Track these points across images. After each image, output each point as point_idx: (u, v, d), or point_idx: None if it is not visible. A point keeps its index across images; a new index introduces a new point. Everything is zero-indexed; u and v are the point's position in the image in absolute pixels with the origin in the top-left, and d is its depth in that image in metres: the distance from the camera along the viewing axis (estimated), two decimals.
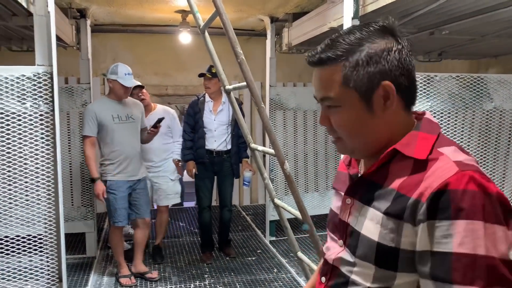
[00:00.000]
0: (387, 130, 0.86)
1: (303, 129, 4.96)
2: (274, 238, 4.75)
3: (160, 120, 3.61)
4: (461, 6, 2.87)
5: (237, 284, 3.71)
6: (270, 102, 4.58)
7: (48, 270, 2.46)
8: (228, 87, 2.17)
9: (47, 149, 2.39)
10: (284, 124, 4.80)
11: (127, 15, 4.76)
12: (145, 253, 3.98)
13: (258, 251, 4.49)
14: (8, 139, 2.36)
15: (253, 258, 4.28)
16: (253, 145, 2.24)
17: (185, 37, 5.21)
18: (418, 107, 2.79)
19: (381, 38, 0.84)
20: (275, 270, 3.99)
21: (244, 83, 1.87)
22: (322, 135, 5.05)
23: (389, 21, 0.87)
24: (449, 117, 2.86)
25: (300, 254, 2.35)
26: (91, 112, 3.38)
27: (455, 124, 2.87)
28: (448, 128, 2.86)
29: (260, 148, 2.16)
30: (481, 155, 2.99)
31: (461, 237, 0.72)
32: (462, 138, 2.90)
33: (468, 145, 2.92)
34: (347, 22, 2.74)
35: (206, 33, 2.19)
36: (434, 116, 2.81)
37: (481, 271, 0.71)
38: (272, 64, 4.55)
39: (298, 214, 1.98)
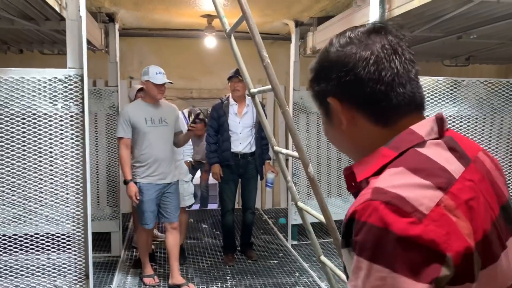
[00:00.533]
0: (355, 144, 0.82)
1: None
2: (296, 242, 4.74)
3: (198, 115, 3.61)
4: (490, 10, 2.83)
5: (259, 287, 3.72)
6: (293, 105, 4.59)
7: (76, 267, 2.53)
8: (253, 90, 2.19)
9: (77, 150, 2.46)
10: (308, 127, 4.80)
11: (154, 20, 4.85)
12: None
13: (280, 254, 4.49)
14: (39, 139, 2.44)
15: (275, 262, 4.28)
16: (276, 148, 2.25)
17: (210, 41, 5.28)
18: (445, 112, 2.76)
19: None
20: (297, 274, 3.99)
21: (269, 86, 1.89)
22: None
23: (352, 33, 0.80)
24: (476, 122, 2.81)
25: (323, 258, 2.35)
26: (125, 114, 3.43)
27: (483, 129, 2.82)
28: (475, 133, 2.82)
29: (284, 151, 2.18)
30: (509, 161, 2.93)
31: (351, 272, 0.66)
32: (490, 144, 2.85)
33: (496, 151, 2.87)
34: None
35: (232, 37, 2.22)
36: (461, 122, 2.82)
37: None
38: (296, 67, 4.57)
39: (321, 217, 1.98)
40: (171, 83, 3.86)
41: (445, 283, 0.62)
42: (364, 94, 0.76)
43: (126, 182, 3.42)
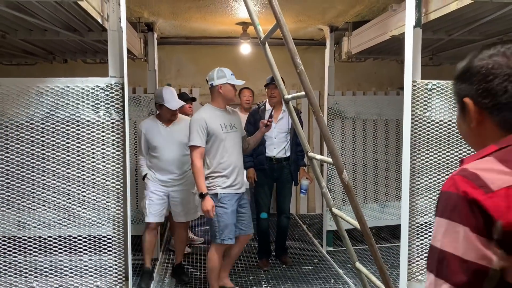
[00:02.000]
0: (479, 142, 0.94)
1: (362, 138, 4.89)
2: (331, 249, 4.71)
3: (271, 115, 3.57)
4: None
5: None
6: (328, 111, 4.58)
7: (116, 269, 2.62)
8: (287, 96, 2.22)
9: (118, 155, 2.55)
10: (343, 133, 4.77)
11: (191, 28, 4.97)
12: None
13: (315, 260, 4.47)
14: (82, 145, 2.55)
15: (310, 268, 4.27)
16: (311, 154, 2.26)
17: (245, 48, 5.34)
18: None
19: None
20: (332, 280, 3.95)
21: (303, 93, 1.90)
22: (382, 145, 4.96)
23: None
24: None
25: (358, 264, 2.34)
26: (201, 120, 3.18)
27: None
28: None
29: (318, 156, 2.19)
30: None
31: (434, 231, 0.84)
32: None
33: None
34: (409, 30, 2.69)
35: (266, 45, 2.25)
36: None
37: (435, 262, 0.81)
38: (330, 72, 4.56)
39: (356, 224, 1.97)
40: (194, 99, 3.96)
41: (502, 246, 0.77)
42: (498, 104, 0.88)
43: (202, 196, 3.14)
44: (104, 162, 2.57)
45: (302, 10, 4.07)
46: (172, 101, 3.68)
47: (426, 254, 2.82)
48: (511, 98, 0.86)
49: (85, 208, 2.63)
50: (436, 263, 0.81)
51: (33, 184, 2.60)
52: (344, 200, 4.57)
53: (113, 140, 2.56)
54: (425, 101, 2.72)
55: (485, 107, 0.89)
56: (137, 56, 4.21)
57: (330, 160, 1.90)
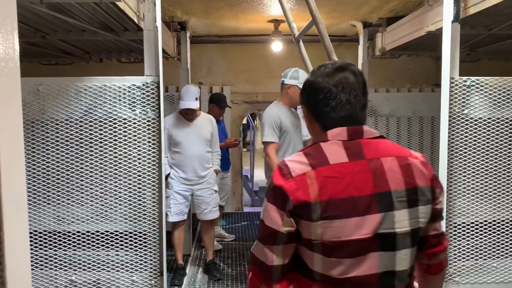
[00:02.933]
0: (314, 137, 1.27)
1: (396, 137, 4.80)
2: None
3: None
4: None
5: None
6: None
7: (151, 264, 2.67)
8: None
9: (153, 152, 2.60)
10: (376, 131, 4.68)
11: (222, 26, 4.99)
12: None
13: None
14: (119, 142, 2.60)
15: None
16: None
17: (277, 46, 5.33)
18: None
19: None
20: None
21: None
22: (417, 143, 4.85)
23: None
24: None
25: None
26: (275, 116, 3.18)
27: None
28: None
29: None
30: None
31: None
32: None
33: None
34: (447, 25, 2.62)
35: (301, 42, 2.23)
36: None
37: (261, 231, 1.20)
38: (364, 69, 4.49)
39: None
40: None
41: (292, 215, 1.14)
42: (318, 110, 1.21)
43: None
44: (140, 159, 2.62)
45: (335, 6, 4.02)
46: (184, 100, 3.65)
47: (464, 256, 2.75)
48: (324, 107, 1.19)
49: (121, 204, 2.69)
50: (261, 230, 1.21)
51: (71, 180, 2.68)
52: None
53: (149, 137, 2.60)
54: (463, 98, 2.65)
55: (312, 112, 1.23)
56: (171, 55, 4.26)
57: None
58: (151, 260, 2.68)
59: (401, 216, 1.16)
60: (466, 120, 2.64)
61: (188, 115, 3.73)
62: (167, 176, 3.75)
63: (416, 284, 1.34)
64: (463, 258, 2.75)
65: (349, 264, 1.14)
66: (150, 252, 2.67)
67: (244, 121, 8.69)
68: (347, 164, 1.15)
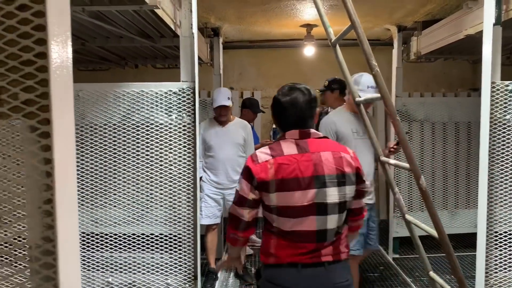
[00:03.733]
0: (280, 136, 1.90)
1: (431, 142, 4.69)
2: (397, 256, 4.55)
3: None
4: None
5: None
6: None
7: (186, 268, 2.69)
8: (358, 99, 2.17)
9: (189, 157, 2.63)
10: (410, 136, 4.60)
11: (255, 32, 5.02)
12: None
13: (381, 267, 4.34)
14: (156, 147, 2.65)
15: (376, 275, 4.15)
16: (383, 158, 2.19)
17: (309, 50, 5.31)
18: None
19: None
20: None
21: (378, 95, 1.85)
22: (452, 149, 4.72)
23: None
24: None
25: (432, 273, 2.23)
26: (330, 124, 3.03)
27: None
28: None
29: (392, 161, 2.11)
30: None
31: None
32: None
33: None
34: (488, 28, 2.54)
35: (337, 46, 2.22)
36: None
37: (236, 197, 1.82)
38: (398, 73, 4.41)
39: (433, 232, 1.89)
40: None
41: (256, 188, 1.76)
42: (279, 119, 1.87)
43: None
44: (175, 163, 2.66)
45: (369, 10, 3.98)
46: (217, 99, 3.70)
47: (506, 266, 2.65)
48: (282, 117, 1.85)
49: (157, 207, 2.73)
50: (237, 197, 1.82)
51: (109, 183, 2.74)
52: (409, 207, 4.42)
53: (185, 142, 2.64)
54: (505, 103, 2.56)
55: (275, 119, 1.90)
56: (204, 60, 4.31)
57: (406, 165, 1.84)
58: (186, 263, 2.70)
59: (331, 192, 1.77)
60: (508, 126, 2.55)
61: (222, 116, 3.76)
62: (200, 179, 3.77)
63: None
64: (505, 268, 2.66)
65: (295, 222, 1.76)
66: (185, 255, 2.70)
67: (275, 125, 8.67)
68: (296, 155, 1.76)
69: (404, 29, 4.39)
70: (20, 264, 0.90)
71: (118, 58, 4.35)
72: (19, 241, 0.91)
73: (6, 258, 0.87)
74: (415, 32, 4.27)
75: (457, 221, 4.69)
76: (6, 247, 0.89)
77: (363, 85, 3.00)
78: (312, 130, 1.83)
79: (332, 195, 1.76)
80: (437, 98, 5.56)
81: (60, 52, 0.88)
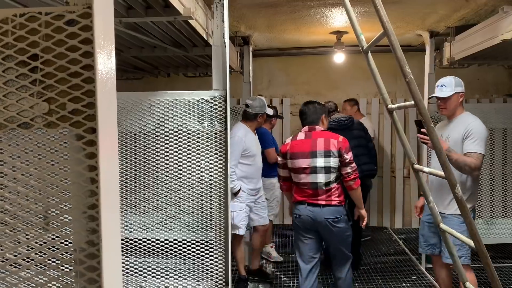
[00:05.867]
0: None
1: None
2: (430, 266, 4.44)
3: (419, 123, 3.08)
4: None
5: None
6: None
7: (217, 274, 2.72)
8: (391, 106, 2.15)
9: (220, 163, 2.66)
10: None
11: (284, 40, 5.04)
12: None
13: (413, 277, 4.25)
14: (189, 154, 2.69)
15: (408, 284, 4.07)
16: (417, 166, 2.16)
17: (339, 57, 5.29)
18: None
19: None
20: None
21: (412, 102, 1.83)
22: (488, 156, 4.59)
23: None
24: None
25: (468, 284, 2.18)
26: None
27: None
28: None
29: (426, 169, 2.08)
30: None
31: None
32: None
33: None
34: None
35: (369, 53, 2.21)
36: None
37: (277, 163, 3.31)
38: (431, 79, 4.33)
39: (469, 241, 1.84)
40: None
41: (281, 156, 3.17)
42: (300, 120, 3.20)
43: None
44: (208, 170, 2.70)
45: (400, 16, 3.94)
46: (266, 108, 3.92)
47: None
48: (301, 119, 3.19)
49: (189, 214, 2.77)
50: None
51: (142, 190, 2.81)
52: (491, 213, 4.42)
53: (216, 149, 2.67)
54: None
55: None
56: (234, 69, 4.37)
57: (442, 173, 1.81)
58: (217, 269, 2.73)
59: (320, 161, 2.95)
60: None
61: (271, 124, 4.15)
62: (239, 190, 3.75)
63: None
64: None
65: (300, 177, 3.02)
66: (216, 261, 2.72)
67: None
68: (303, 140, 3.04)
69: (436, 35, 4.33)
70: (66, 267, 0.94)
71: (151, 67, 4.45)
72: (66, 244, 0.95)
73: (54, 261, 0.92)
74: (448, 38, 4.19)
75: (494, 231, 4.55)
76: (54, 250, 0.94)
77: (457, 86, 2.99)
78: (317, 126, 3.06)
79: (320, 162, 2.95)
80: (472, 104, 5.43)
81: (105, 64, 0.92)
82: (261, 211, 4.01)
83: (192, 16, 2.21)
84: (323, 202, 2.95)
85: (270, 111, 3.94)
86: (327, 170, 2.94)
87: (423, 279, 4.20)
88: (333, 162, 2.93)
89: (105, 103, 0.91)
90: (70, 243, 0.94)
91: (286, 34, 4.67)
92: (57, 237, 0.94)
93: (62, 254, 0.94)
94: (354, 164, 2.98)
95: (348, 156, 2.94)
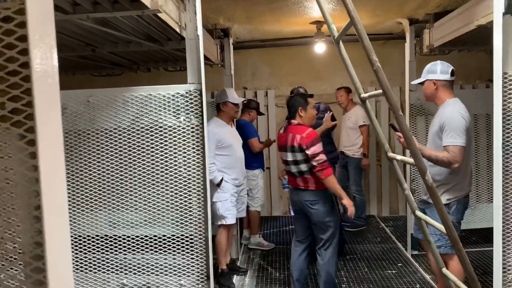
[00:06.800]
0: None
1: None
2: (416, 252, 4.48)
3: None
4: None
5: None
6: (410, 107, 4.36)
7: (198, 268, 2.71)
8: (363, 95, 2.14)
9: (198, 158, 2.64)
10: (426, 130, 4.51)
11: (265, 31, 5.01)
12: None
13: (399, 264, 4.29)
14: (165, 149, 2.67)
15: (394, 272, 4.10)
16: (391, 154, 2.17)
17: (320, 47, 5.28)
18: None
19: None
20: (418, 286, 3.77)
21: (380, 91, 1.83)
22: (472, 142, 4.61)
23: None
24: None
25: (445, 270, 2.20)
26: (467, 118, 2.88)
27: None
28: None
29: (399, 157, 2.09)
30: None
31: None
32: None
33: None
34: (498, 18, 2.48)
35: (341, 43, 2.20)
36: None
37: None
38: (411, 67, 4.34)
39: (442, 227, 1.85)
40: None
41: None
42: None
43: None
44: (185, 165, 2.68)
45: (378, 4, 3.93)
46: (233, 96, 3.94)
47: None
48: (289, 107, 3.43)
49: (168, 209, 2.76)
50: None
51: (121, 187, 2.78)
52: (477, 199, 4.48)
53: (193, 144, 2.65)
54: None
55: None
56: (214, 62, 4.33)
57: (411, 160, 1.81)
58: (198, 264, 2.72)
59: (289, 154, 3.24)
60: None
61: (237, 113, 4.06)
62: (221, 181, 3.80)
63: None
64: None
65: (286, 166, 3.39)
66: (197, 256, 2.71)
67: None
68: (283, 133, 3.32)
69: (416, 22, 4.32)
70: (14, 269, 0.92)
71: (129, 63, 4.40)
72: (14, 247, 0.93)
73: (2, 264, 0.90)
74: (427, 25, 4.19)
75: (479, 215, 4.58)
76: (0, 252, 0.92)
77: (443, 73, 2.98)
78: (293, 120, 3.27)
79: (289, 156, 3.24)
80: (454, 90, 5.44)
81: (44, 61, 0.90)
82: (238, 205, 4.04)
83: (160, 10, 2.18)
84: (302, 187, 3.26)
85: (235, 100, 3.90)
86: (295, 162, 3.22)
87: (408, 266, 4.23)
88: (299, 156, 3.17)
89: (44, 101, 0.89)
90: (17, 245, 0.92)
91: (266, 25, 4.64)
92: (1, 238, 0.92)
93: (10, 257, 0.92)
94: (319, 157, 3.08)
95: (310, 150, 3.08)
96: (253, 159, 4.58)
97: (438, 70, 2.99)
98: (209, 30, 4.26)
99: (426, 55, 4.51)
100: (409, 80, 4.35)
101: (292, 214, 3.75)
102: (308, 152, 3.08)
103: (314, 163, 3.09)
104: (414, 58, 4.35)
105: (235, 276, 4.10)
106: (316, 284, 3.69)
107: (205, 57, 3.98)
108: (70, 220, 2.84)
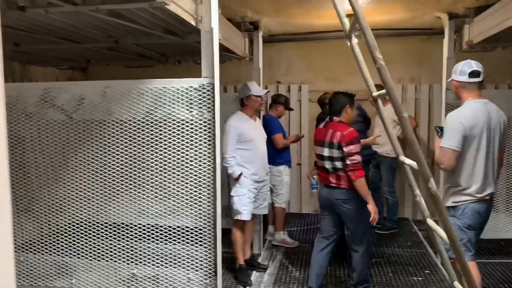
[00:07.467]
0: None
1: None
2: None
3: None
4: None
5: None
6: (446, 106, 4.11)
7: (206, 263, 2.69)
8: (374, 94, 2.03)
9: (209, 152, 2.62)
10: None
11: (296, 24, 4.90)
12: None
13: (426, 271, 4.08)
14: (178, 143, 2.66)
15: (420, 279, 3.91)
16: (402, 158, 2.04)
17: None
18: None
19: None
20: None
21: (384, 91, 1.72)
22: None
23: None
24: None
25: (456, 283, 2.05)
26: (464, 122, 2.74)
27: None
28: None
29: (408, 161, 1.95)
30: None
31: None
32: None
33: None
34: None
35: (354, 38, 2.09)
36: None
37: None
38: (450, 64, 4.07)
39: (445, 236, 1.72)
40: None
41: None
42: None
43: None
44: (197, 158, 2.66)
45: None
46: (257, 89, 3.89)
47: None
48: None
49: (180, 201, 2.75)
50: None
51: (133, 178, 2.81)
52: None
53: (205, 138, 2.63)
54: None
55: None
56: (241, 55, 4.28)
57: (416, 165, 1.69)
58: (206, 258, 2.70)
59: (325, 150, 3.26)
60: None
61: (262, 105, 4.03)
62: (240, 175, 3.75)
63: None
64: None
65: (319, 161, 3.40)
66: (205, 249, 2.69)
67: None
68: (322, 129, 3.37)
69: (455, 17, 4.06)
70: None
71: (158, 55, 4.44)
72: None
73: None
74: (467, 20, 3.92)
75: (493, 226, 4.24)
76: None
77: (461, 74, 2.83)
78: (335, 117, 3.31)
79: (326, 151, 3.26)
80: (500, 90, 5.10)
81: None
82: (259, 201, 3.97)
83: (166, 2, 2.15)
84: (334, 184, 3.27)
85: (258, 92, 3.83)
86: (331, 158, 3.25)
87: (436, 274, 4.02)
88: (336, 152, 3.20)
89: None
90: None
91: (296, 18, 4.52)
92: None
93: None
94: (354, 157, 3.13)
95: (347, 148, 3.13)
96: (277, 155, 4.50)
97: (458, 70, 2.85)
98: (237, 23, 4.21)
99: (466, 51, 4.23)
100: (447, 78, 4.10)
101: None
102: (345, 149, 3.13)
103: (348, 162, 3.13)
104: (453, 54, 4.10)
105: (254, 272, 4.06)
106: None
107: (230, 51, 3.94)
108: (81, 207, 2.90)
